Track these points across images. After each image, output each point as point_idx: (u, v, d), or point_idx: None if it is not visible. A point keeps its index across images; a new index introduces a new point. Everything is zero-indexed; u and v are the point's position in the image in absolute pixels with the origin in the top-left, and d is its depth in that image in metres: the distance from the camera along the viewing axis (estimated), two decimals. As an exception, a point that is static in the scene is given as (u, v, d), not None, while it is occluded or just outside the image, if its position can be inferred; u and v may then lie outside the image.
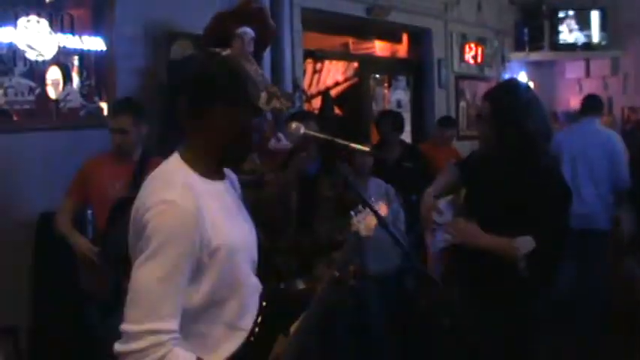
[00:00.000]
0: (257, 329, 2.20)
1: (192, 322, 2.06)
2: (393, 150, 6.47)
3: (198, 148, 2.17)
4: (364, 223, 2.65)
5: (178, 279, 1.98)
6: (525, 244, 3.28)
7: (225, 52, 2.20)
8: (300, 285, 2.43)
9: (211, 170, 2.20)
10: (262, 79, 2.21)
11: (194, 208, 2.01)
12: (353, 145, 2.44)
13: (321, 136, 2.39)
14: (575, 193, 3.75)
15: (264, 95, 2.14)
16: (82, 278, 4.24)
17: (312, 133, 2.37)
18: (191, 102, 2.18)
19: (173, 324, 1.96)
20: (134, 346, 1.93)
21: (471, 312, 3.32)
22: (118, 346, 1.97)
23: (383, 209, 2.88)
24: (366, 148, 2.65)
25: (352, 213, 2.70)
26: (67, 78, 4.97)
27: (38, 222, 4.69)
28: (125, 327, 1.95)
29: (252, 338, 2.18)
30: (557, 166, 3.64)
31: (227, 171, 2.31)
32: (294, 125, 2.39)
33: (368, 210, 2.68)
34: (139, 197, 2.12)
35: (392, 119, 6.69)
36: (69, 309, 4.49)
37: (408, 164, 6.32)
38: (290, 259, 4.21)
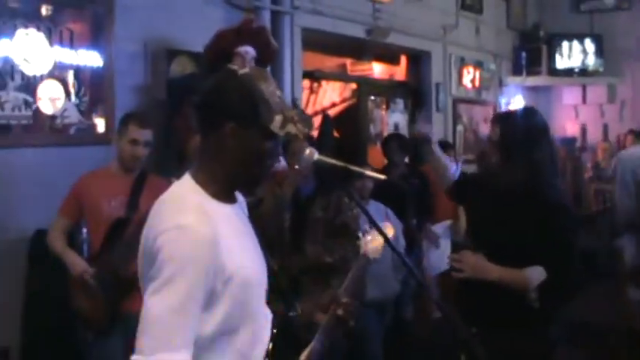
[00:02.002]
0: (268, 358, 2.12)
1: (205, 352, 1.97)
2: (399, 166, 6.50)
3: (210, 170, 2.08)
4: (372, 245, 2.61)
5: (192, 308, 1.90)
6: (536, 275, 3.22)
7: (243, 71, 2.08)
8: (298, 307, 2.37)
9: (224, 193, 2.11)
10: (280, 101, 2.08)
11: (209, 233, 1.92)
12: (368, 172, 2.38)
13: (336, 162, 2.31)
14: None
15: (278, 118, 2.01)
16: (74, 299, 4.16)
17: (326, 159, 2.29)
18: (202, 121, 2.10)
19: (186, 355, 1.88)
20: None
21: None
22: None
23: (389, 230, 2.83)
24: (381, 176, 2.59)
25: (360, 235, 2.66)
26: (63, 93, 4.91)
27: (32, 238, 4.61)
28: (135, 357, 1.86)
29: None
30: (565, 199, 3.57)
31: (237, 194, 2.22)
32: (307, 151, 2.31)
33: (374, 232, 2.64)
34: (150, 221, 2.02)
35: (398, 141, 6.71)
36: (61, 329, 4.40)
37: (413, 181, 6.33)
38: (280, 278, 4.15)
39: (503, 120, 3.59)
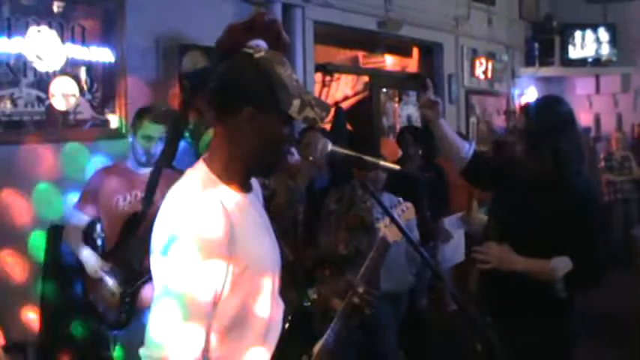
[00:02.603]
0: (281, 349, 2.10)
1: (219, 342, 1.95)
2: (415, 164, 6.45)
3: (226, 157, 2.02)
4: (390, 229, 2.57)
5: (208, 303, 1.87)
6: (562, 265, 3.20)
7: (259, 54, 2.01)
8: (313, 295, 2.33)
9: (240, 181, 2.05)
10: (297, 85, 2.03)
11: (226, 227, 1.88)
12: (383, 163, 2.36)
13: (350, 153, 2.29)
14: None
15: (296, 103, 1.96)
16: (91, 294, 4.17)
17: (340, 150, 2.27)
18: (217, 106, 2.04)
19: (200, 350, 1.86)
20: (161, 354, 1.82)
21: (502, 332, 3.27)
22: (144, 352, 1.86)
23: (410, 212, 2.80)
24: (396, 167, 2.56)
25: (378, 217, 2.63)
26: (76, 89, 4.92)
27: (48, 234, 4.63)
28: (148, 352, 1.85)
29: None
30: (591, 188, 3.57)
31: (252, 181, 2.17)
32: (321, 142, 2.30)
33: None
34: (164, 214, 1.96)
35: (413, 133, 6.66)
36: (78, 325, 4.42)
37: (428, 174, 6.28)
38: (295, 270, 4.16)
39: (530, 109, 3.55)
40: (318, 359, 2.23)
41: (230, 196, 1.99)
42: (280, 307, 2.18)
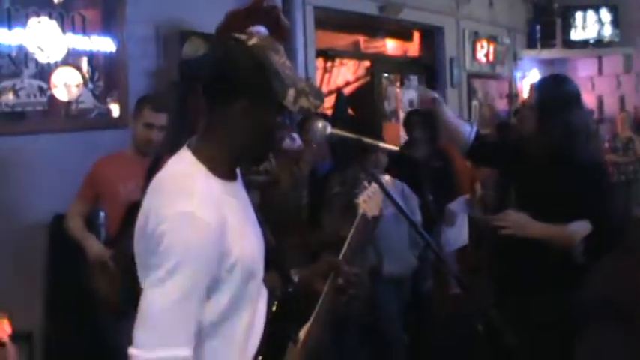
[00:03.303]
0: (267, 336, 2.05)
1: (206, 339, 1.90)
2: (422, 149, 6.37)
3: (215, 146, 1.96)
4: (370, 202, 2.53)
5: (195, 299, 1.80)
6: (580, 228, 3.30)
7: (252, 41, 1.96)
8: (294, 277, 2.27)
9: (226, 170, 1.99)
10: (291, 74, 1.99)
11: (214, 220, 1.82)
12: (382, 144, 2.36)
13: (349, 135, 2.30)
14: None
15: (291, 92, 1.93)
16: (92, 282, 4.19)
17: (339, 132, 2.28)
18: (209, 94, 1.97)
19: (188, 349, 1.79)
20: None
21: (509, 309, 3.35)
22: None
23: (388, 181, 2.78)
24: (395, 148, 2.55)
25: (356, 192, 2.57)
26: (78, 79, 4.93)
27: (51, 224, 4.65)
28: (135, 352, 1.77)
29: (263, 349, 2.04)
30: (600, 159, 3.71)
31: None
32: (320, 124, 2.30)
33: (371, 189, 2.56)
34: (149, 204, 1.90)
35: (420, 118, 6.58)
36: (83, 312, 4.44)
37: (435, 163, 6.24)
38: (299, 255, 4.18)
39: (540, 85, 3.71)
40: (304, 344, 2.16)
41: (216, 185, 1.94)
42: (264, 295, 2.13)
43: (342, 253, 2.38)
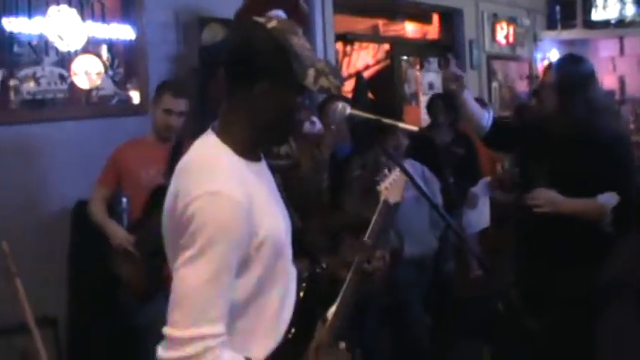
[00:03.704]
0: (294, 323, 2.09)
1: (237, 317, 1.94)
2: (444, 134, 6.34)
3: (238, 128, 2.00)
4: (392, 189, 2.56)
5: (227, 277, 1.84)
6: (609, 199, 3.45)
7: (271, 24, 2.01)
8: (324, 263, 2.33)
9: (251, 151, 2.03)
10: (310, 55, 2.03)
11: (242, 198, 1.85)
12: (401, 124, 2.37)
13: (368, 115, 2.31)
14: None
15: (311, 73, 1.96)
16: (116, 267, 4.23)
17: (358, 113, 2.29)
18: (231, 77, 2.01)
19: (221, 327, 1.82)
20: (180, 353, 1.79)
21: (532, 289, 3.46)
22: (162, 353, 1.83)
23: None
24: (414, 127, 2.57)
25: (377, 179, 2.61)
26: (98, 67, 4.95)
27: (74, 210, 4.68)
28: (170, 332, 1.81)
29: (293, 329, 2.08)
30: (623, 131, 3.80)
31: None
32: (340, 105, 2.32)
33: (393, 176, 2.59)
34: (176, 186, 1.95)
35: (443, 102, 6.55)
36: (107, 297, 4.47)
37: (458, 150, 6.21)
38: (320, 238, 4.20)
39: (559, 65, 3.79)
40: (332, 323, 2.22)
41: (242, 166, 1.98)
42: (294, 275, 2.17)
43: (366, 236, 2.41)
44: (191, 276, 1.81)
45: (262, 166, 2.12)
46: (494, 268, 2.35)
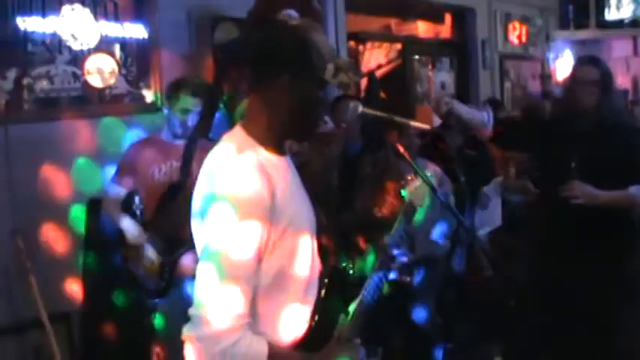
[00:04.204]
0: (317, 312, 2.17)
1: (260, 301, 2.02)
2: (456, 136, 6.30)
3: (263, 122, 2.10)
4: (416, 193, 2.66)
5: (251, 262, 1.93)
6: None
7: (294, 23, 2.11)
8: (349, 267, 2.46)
9: (276, 144, 2.12)
10: (331, 51, 2.12)
11: (265, 185, 1.95)
12: (413, 122, 2.40)
13: (380, 114, 2.34)
14: None
15: (330, 67, 2.06)
16: (130, 263, 4.25)
17: (370, 111, 2.32)
18: (256, 71, 2.12)
19: (245, 308, 1.91)
20: (205, 331, 1.87)
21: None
22: (187, 331, 1.92)
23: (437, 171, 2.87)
24: (426, 126, 2.62)
25: (403, 184, 2.72)
26: (111, 66, 4.98)
27: (87, 207, 4.71)
28: (195, 311, 1.90)
29: (316, 317, 2.16)
30: None
31: None
32: (352, 104, 2.35)
33: (416, 181, 2.69)
34: (204, 176, 2.07)
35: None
36: (120, 293, 4.50)
37: (470, 152, 6.19)
38: (331, 235, 4.22)
39: (597, 62, 3.94)
40: (354, 317, 2.31)
41: (268, 158, 2.07)
42: (317, 267, 2.24)
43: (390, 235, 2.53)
44: (217, 258, 1.90)
45: (287, 160, 2.20)
46: (506, 268, 2.37)
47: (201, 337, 1.88)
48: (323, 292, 2.22)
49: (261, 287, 2.01)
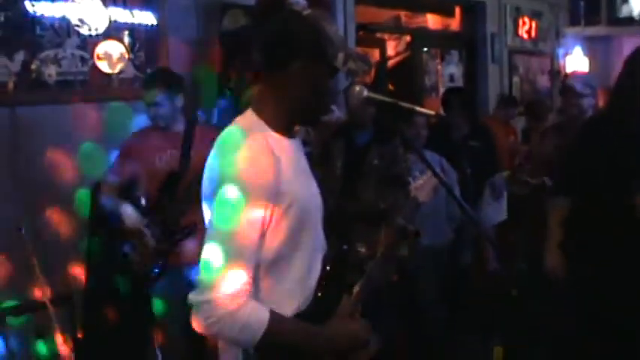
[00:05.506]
0: (322, 287, 2.23)
1: (262, 276, 2.09)
2: (461, 127, 6.25)
3: (274, 105, 2.19)
4: (421, 189, 2.68)
5: (255, 232, 2.01)
6: None
7: (306, 12, 2.19)
8: (362, 249, 2.48)
9: (285, 127, 2.21)
10: (341, 40, 2.20)
11: (272, 163, 2.04)
12: (418, 108, 2.40)
13: (385, 98, 2.36)
14: None
15: (341, 56, 2.14)
16: (127, 248, 4.28)
17: (375, 95, 2.34)
18: (269, 57, 2.19)
19: (248, 276, 2.00)
20: (209, 296, 1.95)
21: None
22: (193, 296, 1.99)
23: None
24: (432, 112, 2.65)
25: (410, 179, 2.74)
26: (120, 52, 4.98)
27: (92, 191, 4.71)
28: (200, 277, 1.99)
29: (319, 294, 2.22)
30: None
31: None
32: (357, 88, 2.37)
33: (425, 177, 2.72)
34: (214, 156, 2.14)
35: (459, 96, 6.47)
36: (122, 277, 4.51)
37: (475, 143, 6.15)
38: (333, 223, 4.23)
39: None
40: (356, 297, 2.37)
41: (277, 139, 2.15)
42: (323, 247, 2.32)
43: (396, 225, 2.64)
44: (222, 227, 2.00)
45: (296, 143, 2.29)
46: (511, 260, 2.39)
47: (205, 301, 1.95)
48: (326, 274, 2.26)
49: (266, 262, 2.08)
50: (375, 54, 8.59)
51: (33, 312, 4.26)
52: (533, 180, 5.85)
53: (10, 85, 4.50)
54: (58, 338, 4.08)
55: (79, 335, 4.60)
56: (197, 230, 3.87)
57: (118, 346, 4.60)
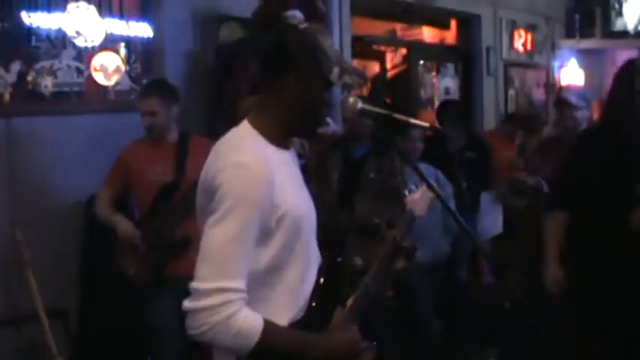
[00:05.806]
0: (316, 298, 2.25)
1: (257, 285, 2.10)
2: (456, 140, 6.23)
3: (269, 116, 2.22)
4: (418, 202, 2.68)
5: (248, 241, 2.04)
6: None
7: (303, 26, 2.21)
8: (359, 261, 2.48)
9: (280, 139, 2.24)
10: (337, 54, 2.21)
11: (266, 172, 2.06)
12: (413, 120, 2.40)
13: (379, 110, 2.36)
14: None
15: (336, 70, 2.15)
16: (121, 260, 4.27)
17: (369, 107, 2.34)
18: (265, 70, 2.24)
19: (242, 284, 2.02)
20: (204, 303, 1.98)
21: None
22: (187, 304, 2.01)
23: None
24: (426, 124, 2.65)
25: (406, 193, 2.74)
26: (116, 64, 4.98)
27: (87, 203, 4.71)
28: (195, 285, 2.01)
29: (313, 304, 2.24)
30: None
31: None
32: (351, 99, 2.38)
33: (420, 191, 2.72)
34: (210, 160, 2.17)
35: (454, 108, 6.47)
36: (118, 290, 4.50)
37: (470, 154, 6.15)
38: (328, 228, 4.24)
39: None
40: (351, 309, 2.36)
41: (271, 150, 2.19)
42: (317, 258, 2.34)
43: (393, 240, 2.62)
44: (217, 235, 2.02)
45: (290, 155, 2.32)
46: (506, 274, 2.38)
47: (200, 308, 1.98)
48: (320, 286, 2.28)
49: (259, 272, 2.11)
50: (375, 67, 8.62)
51: (27, 324, 4.25)
52: (531, 180, 5.82)
53: (6, 96, 4.49)
54: (52, 351, 4.06)
55: (74, 346, 4.59)
56: (192, 241, 3.86)
57: (113, 356, 4.59)
